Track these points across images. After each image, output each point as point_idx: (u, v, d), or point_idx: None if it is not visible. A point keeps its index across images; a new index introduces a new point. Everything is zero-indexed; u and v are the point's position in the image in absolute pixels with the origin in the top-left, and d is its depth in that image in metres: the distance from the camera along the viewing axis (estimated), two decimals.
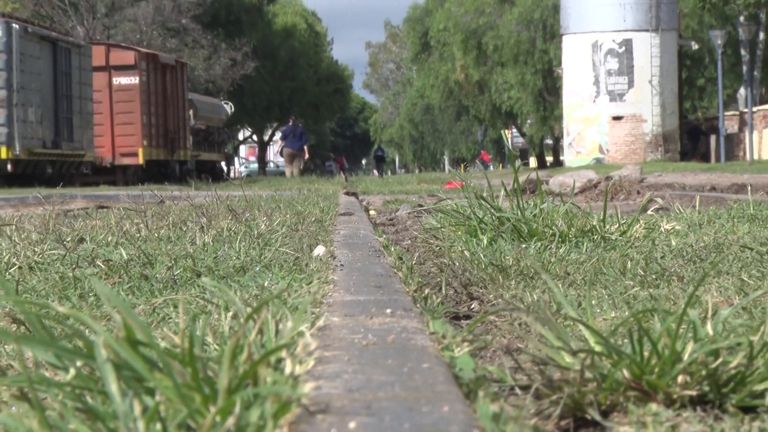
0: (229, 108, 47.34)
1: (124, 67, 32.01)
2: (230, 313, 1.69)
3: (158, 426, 1.02)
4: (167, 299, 2.31)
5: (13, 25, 25.68)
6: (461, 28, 58.95)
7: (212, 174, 36.55)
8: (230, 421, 1.05)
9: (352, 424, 1.09)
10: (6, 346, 1.63)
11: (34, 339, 1.23)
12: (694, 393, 1.43)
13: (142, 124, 32.05)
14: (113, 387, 1.11)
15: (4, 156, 24.99)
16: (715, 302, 1.83)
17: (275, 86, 66.88)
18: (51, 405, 1.16)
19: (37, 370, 1.37)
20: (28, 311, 1.27)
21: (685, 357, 1.44)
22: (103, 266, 3.01)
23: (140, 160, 31.86)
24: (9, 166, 25.12)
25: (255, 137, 77.20)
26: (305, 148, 37.33)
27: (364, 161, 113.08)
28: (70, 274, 2.84)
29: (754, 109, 40.15)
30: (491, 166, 65.00)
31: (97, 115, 30.88)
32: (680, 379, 1.44)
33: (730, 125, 44.77)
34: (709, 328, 1.54)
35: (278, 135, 70.69)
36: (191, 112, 37.04)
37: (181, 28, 53.24)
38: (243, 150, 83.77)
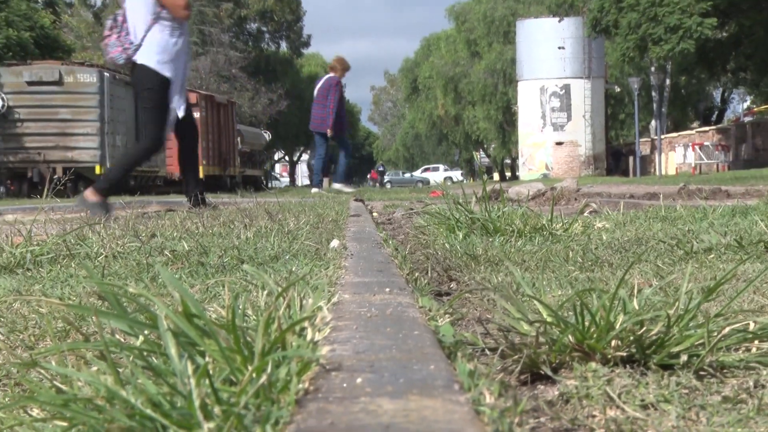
0: (267, 136, 47.38)
1: (188, 105, 32.05)
2: (265, 292, 1.65)
3: (206, 381, 0.98)
4: (217, 281, 2.28)
5: (105, 73, 25.73)
6: (442, 76, 59.15)
7: (255, 185, 36.62)
8: (263, 377, 1.01)
9: (359, 380, 1.06)
10: (91, 318, 1.60)
11: (112, 313, 1.20)
12: (624, 354, 1.41)
13: (201, 148, 32.05)
14: (172, 350, 1.08)
15: (97, 172, 25.01)
16: (638, 283, 1.80)
17: (302, 119, 67.01)
18: (124, 364, 1.12)
19: (113, 336, 1.33)
20: (107, 291, 1.24)
21: (617, 326, 1.41)
22: (169, 255, 2.98)
23: (200, 175, 31.88)
24: None
25: (287, 158, 77.36)
26: (332, 167, 38.39)
27: (368, 176, 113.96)
28: (144, 261, 2.81)
29: (662, 136, 40.34)
30: (465, 180, 65.09)
31: (168, 141, 30.87)
32: (613, 343, 1.41)
33: (644, 149, 44.87)
34: (635, 303, 1.51)
35: (305, 156, 71.25)
36: (239, 138, 37.09)
37: (231, 75, 53.40)
38: (278, 167, 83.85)
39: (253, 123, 52.09)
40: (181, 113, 7.92)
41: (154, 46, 7.54)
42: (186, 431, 0.95)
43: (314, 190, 14.44)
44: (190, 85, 43.92)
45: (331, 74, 14.63)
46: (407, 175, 76.83)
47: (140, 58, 7.57)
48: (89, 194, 7.38)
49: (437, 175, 68.54)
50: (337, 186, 14.57)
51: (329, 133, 14.42)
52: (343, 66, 14.66)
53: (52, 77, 24.91)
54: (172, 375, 1.04)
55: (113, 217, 6.29)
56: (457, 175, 69.79)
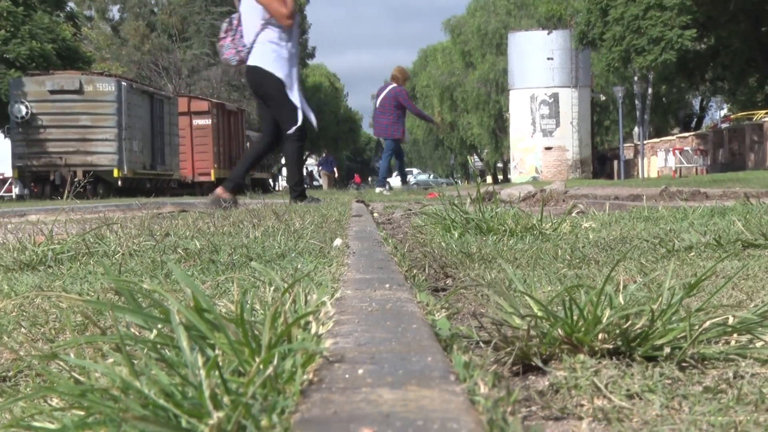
0: None
1: (201, 113, 32.03)
2: (272, 288, 1.64)
3: (216, 372, 0.97)
4: (227, 277, 2.27)
5: (122, 83, 25.75)
6: (438, 85, 59.15)
7: (263, 188, 36.62)
8: (270, 369, 1.00)
9: (360, 371, 1.05)
10: (108, 313, 1.59)
11: (127, 308, 1.19)
12: (610, 346, 1.40)
13: (213, 153, 32.06)
14: (184, 343, 1.07)
15: (115, 175, 25.05)
16: (624, 280, 1.79)
17: (306, 126, 67.05)
18: (138, 356, 1.12)
19: (128, 330, 1.32)
20: (123, 287, 1.23)
21: (604, 320, 1.40)
22: (182, 253, 2.96)
23: (212, 178, 31.84)
24: (119, 182, 25.19)
25: None
26: (335, 170, 39.33)
27: (370, 179, 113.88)
28: (159, 259, 2.80)
29: (645, 142, 40.31)
30: (459, 182, 65.12)
31: (182, 146, 30.91)
32: (600, 336, 1.40)
33: (628, 153, 44.82)
34: (621, 299, 1.50)
35: (310, 160, 71.26)
36: (248, 144, 37.06)
37: (241, 84, 53.32)
38: (285, 171, 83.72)
39: (261, 129, 52.09)
40: (313, 119, 7.87)
41: (264, 50, 7.58)
42: (197, 420, 0.95)
43: (378, 189, 14.51)
44: (202, 94, 43.95)
45: (393, 84, 14.66)
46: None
47: (252, 60, 7.62)
48: (220, 192, 7.63)
49: (410, 178, 68.84)
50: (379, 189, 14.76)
51: (402, 138, 14.72)
52: (404, 76, 14.85)
53: (73, 86, 24.93)
54: (184, 366, 1.04)
55: (238, 206, 6.56)
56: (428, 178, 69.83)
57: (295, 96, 7.68)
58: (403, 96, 14.48)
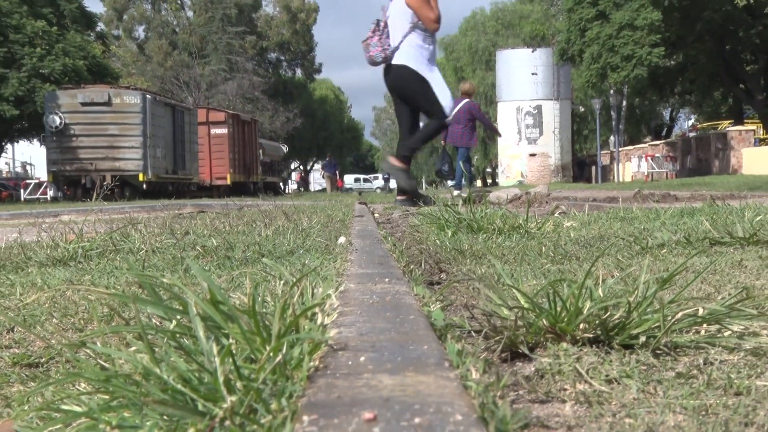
0: (284, 148, 47.37)
1: (218, 123, 32.00)
2: (282, 282, 1.63)
3: (230, 360, 0.96)
4: (241, 272, 2.25)
5: (147, 96, 25.74)
6: None
7: (274, 190, 36.65)
8: (280, 356, 0.99)
9: (362, 358, 1.04)
10: (131, 305, 1.57)
11: (149, 300, 1.18)
12: (591, 335, 1.38)
13: (229, 159, 32.03)
14: (200, 333, 1.06)
15: (141, 179, 25.03)
16: (602, 274, 1.77)
17: (314, 135, 67.23)
18: (159, 345, 1.10)
19: (150, 321, 1.31)
20: (145, 281, 1.21)
21: (585, 311, 1.39)
22: (200, 250, 2.95)
23: (228, 182, 31.84)
24: (144, 186, 25.18)
25: (301, 167, 77.32)
26: (337, 173, 39.32)
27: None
28: (179, 255, 2.78)
29: (620, 149, 40.32)
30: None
31: (201, 153, 30.89)
32: (582, 326, 1.39)
33: (604, 159, 44.83)
34: (600, 291, 1.49)
35: (317, 165, 71.39)
36: (261, 151, 37.06)
37: (254, 97, 53.39)
38: (294, 175, 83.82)
39: (273, 137, 52.03)
40: (448, 110, 7.80)
41: (409, 50, 7.57)
42: (212, 403, 0.93)
43: (456, 193, 14.67)
44: (219, 105, 43.93)
45: (466, 99, 15.17)
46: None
47: (397, 59, 7.61)
48: (393, 161, 7.65)
49: (377, 182, 68.41)
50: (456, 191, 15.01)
51: (474, 145, 15.23)
52: (473, 90, 15.49)
53: (102, 99, 24.92)
54: (200, 354, 1.02)
55: (414, 185, 6.53)
56: (392, 183, 69.49)
57: (438, 91, 7.68)
58: (476, 109, 15.06)
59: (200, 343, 1.04)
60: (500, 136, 16.32)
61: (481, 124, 15.61)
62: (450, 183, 16.02)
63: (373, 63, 7.79)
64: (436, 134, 8.20)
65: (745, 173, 27.88)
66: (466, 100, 15.14)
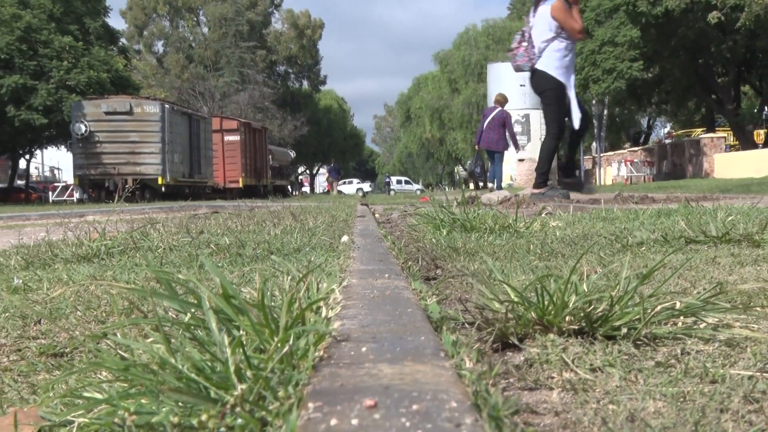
0: (292, 154, 47.35)
1: (231, 130, 31.98)
2: (289, 277, 1.62)
3: (240, 350, 0.95)
4: (252, 269, 2.24)
5: (165, 105, 25.74)
6: (429, 107, 59.12)
7: (282, 193, 36.65)
8: (287, 347, 0.98)
9: (363, 348, 1.03)
10: (149, 298, 1.56)
11: (165, 294, 1.17)
12: (576, 327, 1.37)
13: (241, 164, 32.01)
14: (213, 325, 1.05)
15: (159, 182, 25.03)
16: (587, 270, 1.76)
17: (319, 141, 67.25)
18: (174, 336, 1.09)
19: (166, 314, 1.30)
20: (162, 277, 1.20)
21: (570, 304, 1.38)
22: (213, 248, 2.94)
23: (240, 185, 31.81)
24: (163, 188, 25.18)
25: (307, 171, 77.29)
26: (339, 177, 39.83)
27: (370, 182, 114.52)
28: (194, 253, 2.77)
29: (601, 155, 40.35)
30: (447, 188, 65.17)
31: (215, 158, 30.87)
32: (567, 318, 1.38)
33: (587, 164, 44.79)
34: (584, 286, 1.48)
35: (323, 170, 71.32)
36: (270, 156, 37.02)
37: (264, 107, 53.37)
38: (301, 179, 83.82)
39: (281, 144, 52.02)
40: (576, 124, 7.81)
41: (552, 57, 7.59)
42: (223, 391, 0.92)
43: (502, 193, 14.93)
44: (232, 114, 43.90)
45: (499, 108, 15.37)
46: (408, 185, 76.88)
47: (540, 65, 7.63)
48: (535, 191, 7.71)
49: (351, 186, 67.24)
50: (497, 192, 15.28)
51: (505, 150, 15.57)
52: (505, 100, 15.64)
53: (124, 108, 24.91)
54: (213, 345, 1.01)
55: (565, 195, 6.50)
56: (366, 186, 68.27)
57: (571, 98, 7.71)
58: (508, 119, 15.39)
59: (213, 334, 1.03)
60: (518, 150, 16.61)
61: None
62: (487, 185, 15.89)
63: (520, 70, 7.91)
64: (553, 153, 8.25)
65: (716, 177, 27.87)
66: (499, 108, 15.43)
